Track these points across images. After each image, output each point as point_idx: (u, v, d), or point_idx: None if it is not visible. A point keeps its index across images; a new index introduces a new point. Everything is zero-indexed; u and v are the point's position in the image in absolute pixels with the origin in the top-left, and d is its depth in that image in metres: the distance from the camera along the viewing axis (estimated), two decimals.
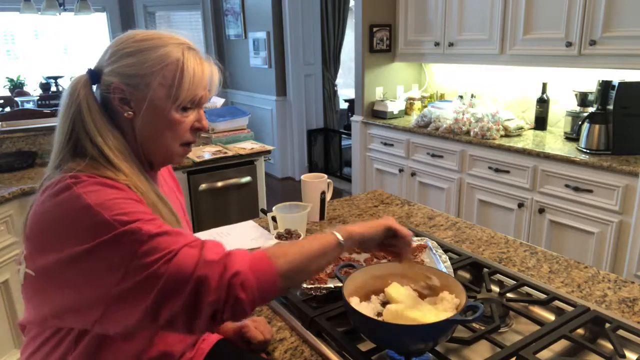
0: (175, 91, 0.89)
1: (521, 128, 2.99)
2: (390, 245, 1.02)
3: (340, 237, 0.91)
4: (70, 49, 6.58)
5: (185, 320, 0.75)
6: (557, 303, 1.10)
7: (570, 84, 2.95)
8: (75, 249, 0.76)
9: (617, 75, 2.54)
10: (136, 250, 0.75)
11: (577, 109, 2.77)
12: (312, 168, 5.49)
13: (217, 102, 3.47)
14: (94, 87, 0.92)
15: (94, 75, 0.91)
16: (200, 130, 0.98)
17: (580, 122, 2.57)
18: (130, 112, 0.90)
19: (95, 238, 0.75)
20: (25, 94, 5.57)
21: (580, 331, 1.02)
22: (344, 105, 6.19)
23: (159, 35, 0.92)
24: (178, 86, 0.89)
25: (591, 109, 2.62)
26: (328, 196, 1.67)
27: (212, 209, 2.76)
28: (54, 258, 0.79)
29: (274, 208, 1.50)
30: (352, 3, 5.07)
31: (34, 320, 0.90)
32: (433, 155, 3.24)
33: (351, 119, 3.95)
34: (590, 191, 2.39)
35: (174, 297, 0.74)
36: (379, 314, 0.95)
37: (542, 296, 1.12)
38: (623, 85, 2.39)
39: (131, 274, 0.74)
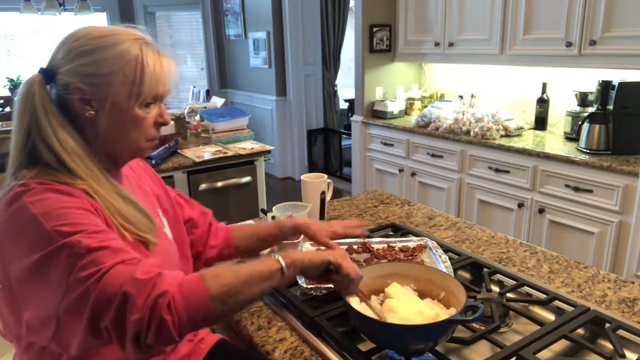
0: (137, 88, 0.88)
1: (521, 128, 2.99)
2: (332, 280, 0.96)
3: (283, 264, 0.88)
4: None
5: (117, 337, 0.73)
6: (557, 303, 1.10)
7: (570, 84, 2.95)
8: (25, 261, 0.76)
9: (617, 75, 2.54)
10: (74, 264, 0.73)
11: (577, 109, 2.77)
12: (312, 168, 5.49)
13: (217, 102, 3.47)
14: (49, 87, 0.89)
15: (48, 75, 0.88)
16: (163, 125, 0.96)
17: (580, 122, 2.57)
18: (92, 112, 0.88)
19: (38, 251, 0.75)
20: None
21: (580, 331, 1.02)
22: (344, 105, 6.19)
23: (116, 31, 0.90)
24: (140, 83, 0.88)
25: (591, 109, 2.62)
26: (328, 196, 1.67)
27: (212, 209, 2.72)
28: (12, 271, 0.78)
29: (274, 208, 1.50)
30: (352, 3, 5.08)
31: (8, 332, 0.89)
32: (433, 155, 3.24)
33: (351, 119, 3.95)
34: (590, 191, 2.39)
35: (105, 312, 0.72)
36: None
37: (542, 296, 1.12)
38: (623, 85, 2.39)
39: (71, 288, 0.73)
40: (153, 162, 2.52)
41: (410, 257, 1.27)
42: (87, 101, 0.87)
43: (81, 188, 0.84)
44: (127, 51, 0.87)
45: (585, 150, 2.51)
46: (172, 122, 2.92)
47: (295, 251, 0.95)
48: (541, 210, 2.62)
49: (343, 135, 5.28)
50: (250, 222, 1.53)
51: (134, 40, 0.89)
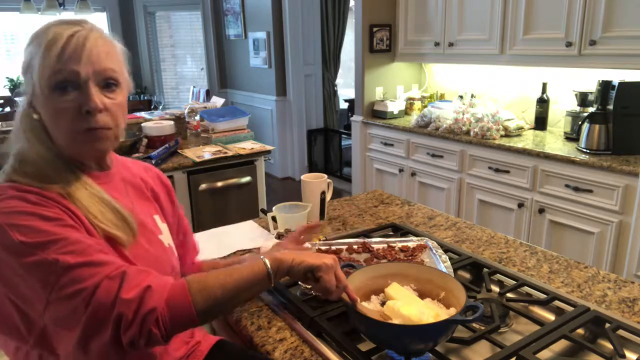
0: (48, 65, 0.81)
1: (521, 128, 2.99)
2: (313, 287, 0.96)
3: (269, 269, 0.88)
4: None
5: (112, 348, 0.75)
6: (557, 303, 1.10)
7: (570, 84, 2.95)
8: (3, 268, 0.76)
9: (617, 75, 2.54)
10: (55, 282, 0.73)
11: (577, 109, 2.77)
12: (312, 168, 5.49)
13: (217, 102, 3.47)
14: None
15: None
16: (91, 112, 0.84)
17: (580, 122, 2.57)
18: (36, 114, 0.86)
19: (8, 262, 0.75)
20: None
21: (580, 331, 1.02)
22: (344, 105, 6.19)
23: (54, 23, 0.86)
24: (48, 57, 0.81)
25: (591, 109, 2.62)
26: (328, 196, 1.67)
27: (212, 209, 2.76)
28: None
29: (274, 208, 1.50)
30: (352, 3, 5.07)
31: None
32: (433, 155, 3.24)
33: (351, 119, 3.95)
34: (590, 191, 2.39)
35: (99, 332, 0.74)
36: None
37: (542, 296, 1.12)
38: (623, 85, 2.39)
39: (54, 304, 0.74)
40: (153, 162, 2.51)
41: (410, 257, 1.27)
42: (30, 104, 0.86)
43: (55, 192, 0.82)
44: (47, 32, 0.83)
45: (585, 150, 2.51)
46: (172, 122, 2.93)
47: (283, 252, 0.93)
48: (541, 210, 2.62)
49: (343, 135, 5.28)
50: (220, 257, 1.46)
51: (55, 24, 0.85)
